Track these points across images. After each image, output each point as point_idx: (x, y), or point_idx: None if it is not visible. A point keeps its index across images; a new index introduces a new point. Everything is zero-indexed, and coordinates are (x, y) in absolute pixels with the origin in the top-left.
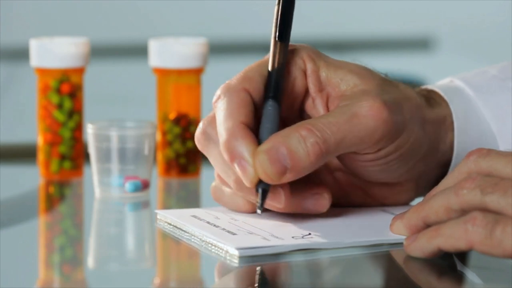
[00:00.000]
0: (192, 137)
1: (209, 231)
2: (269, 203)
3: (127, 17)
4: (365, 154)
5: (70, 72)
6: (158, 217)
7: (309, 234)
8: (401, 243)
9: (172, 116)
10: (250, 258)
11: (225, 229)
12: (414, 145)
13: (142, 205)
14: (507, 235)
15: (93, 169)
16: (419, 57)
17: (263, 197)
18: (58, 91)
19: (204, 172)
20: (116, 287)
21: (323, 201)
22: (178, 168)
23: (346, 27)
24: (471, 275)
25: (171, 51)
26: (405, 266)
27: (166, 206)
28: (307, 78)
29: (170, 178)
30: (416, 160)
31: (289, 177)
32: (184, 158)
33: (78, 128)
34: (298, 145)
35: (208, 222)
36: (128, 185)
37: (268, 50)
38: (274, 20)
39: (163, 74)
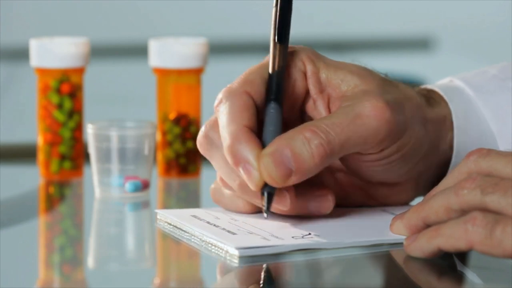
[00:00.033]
0: (192, 137)
1: (209, 231)
2: (275, 206)
3: (127, 17)
4: (368, 154)
5: (70, 72)
6: (158, 217)
7: (309, 234)
8: (401, 243)
9: (172, 116)
10: (250, 258)
11: (225, 229)
12: (415, 144)
13: (142, 205)
14: (507, 235)
15: (93, 169)
16: (419, 57)
17: (269, 201)
18: (58, 91)
19: (204, 172)
20: (116, 287)
21: (327, 203)
22: (178, 168)
23: (346, 27)
24: (471, 275)
25: (171, 51)
26: (405, 266)
27: (166, 206)
28: (307, 79)
29: (170, 178)
30: (417, 160)
31: (294, 180)
32: (184, 158)
33: (78, 128)
34: (303, 147)
35: (208, 222)
36: (128, 185)
37: (267, 50)
38: (273, 22)
39: (163, 74)
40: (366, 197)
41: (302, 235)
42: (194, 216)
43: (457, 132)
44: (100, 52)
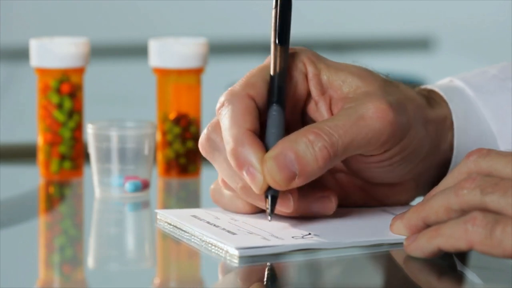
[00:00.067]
0: (192, 137)
1: (209, 231)
2: (278, 209)
3: (127, 17)
4: (370, 156)
5: (70, 72)
6: (158, 217)
7: (309, 234)
8: (401, 243)
9: (172, 116)
10: (250, 258)
11: (225, 229)
12: (417, 145)
13: (142, 205)
14: (507, 235)
15: (93, 169)
16: (419, 57)
17: (273, 204)
18: (58, 91)
19: (204, 172)
20: (116, 287)
21: (330, 204)
22: (178, 168)
23: (346, 27)
24: (471, 275)
25: (171, 51)
26: (405, 266)
27: (166, 206)
28: (308, 81)
29: (170, 178)
30: (418, 160)
31: (297, 183)
32: (184, 158)
33: (78, 128)
34: (306, 150)
35: (208, 222)
36: (128, 185)
37: (267, 50)
38: (273, 24)
39: (163, 74)
40: (367, 197)
41: (302, 235)
42: (194, 216)
43: (457, 132)
44: (100, 52)
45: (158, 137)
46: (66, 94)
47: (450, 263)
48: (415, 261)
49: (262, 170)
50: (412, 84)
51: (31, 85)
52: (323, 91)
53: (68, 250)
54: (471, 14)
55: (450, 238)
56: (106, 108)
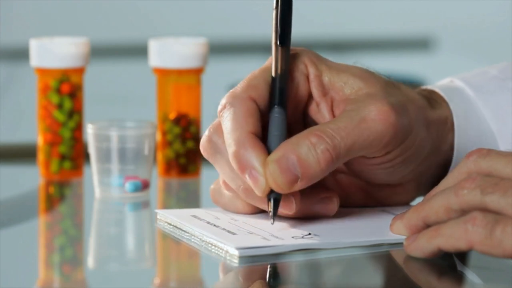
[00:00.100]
0: (192, 137)
1: (209, 231)
2: (280, 211)
3: (127, 17)
4: (372, 158)
5: (70, 72)
6: (158, 217)
7: (309, 234)
8: (401, 243)
9: (172, 116)
10: (250, 258)
11: (225, 229)
12: (418, 147)
13: (142, 205)
14: (507, 235)
15: (93, 169)
16: (419, 57)
17: (275, 206)
18: (58, 91)
19: (204, 172)
20: (116, 287)
21: (332, 205)
22: (178, 168)
23: (346, 27)
24: (471, 275)
25: (171, 51)
26: (405, 266)
27: (166, 206)
28: (310, 82)
29: (170, 178)
30: (419, 161)
31: (300, 186)
32: (184, 158)
33: (78, 128)
34: (308, 153)
35: (208, 222)
36: (128, 185)
37: (268, 50)
38: (274, 25)
39: (163, 74)
40: (367, 197)
41: (302, 235)
42: (194, 216)
43: (458, 132)
44: (100, 52)
45: (158, 137)
46: (66, 94)
47: (450, 263)
48: (415, 261)
49: (265, 173)
50: (412, 84)
51: (31, 85)
52: (324, 92)
53: (68, 250)
54: (471, 14)
55: (450, 238)
56: (106, 108)
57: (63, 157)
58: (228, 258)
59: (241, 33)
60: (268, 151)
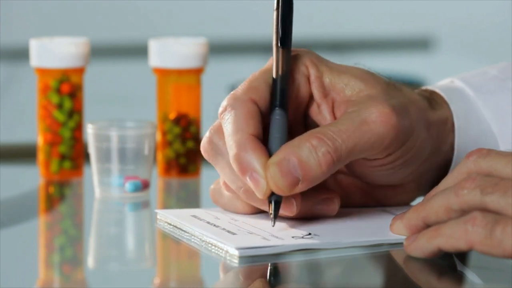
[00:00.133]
0: (192, 137)
1: (209, 231)
2: (281, 213)
3: (127, 17)
4: (373, 159)
5: (70, 72)
6: (158, 217)
7: (309, 234)
8: (401, 243)
9: (172, 116)
10: (250, 258)
11: (225, 229)
12: (419, 148)
13: (142, 205)
14: (507, 235)
15: (93, 169)
16: (419, 57)
17: (276, 209)
18: (58, 91)
19: (204, 172)
20: (116, 287)
21: (333, 206)
22: (178, 168)
23: (346, 27)
24: (471, 275)
25: (171, 51)
26: (405, 266)
27: (166, 206)
28: (310, 84)
29: (170, 178)
30: (420, 162)
31: (301, 188)
32: (184, 158)
33: (78, 128)
34: (310, 155)
35: (208, 222)
36: (128, 185)
37: (268, 50)
38: (274, 26)
39: (163, 74)
40: (367, 198)
41: (302, 235)
42: (194, 216)
43: (458, 133)
44: (100, 52)
45: (158, 137)
46: (66, 94)
47: (450, 263)
48: (415, 261)
49: (265, 175)
50: (412, 84)
51: (31, 85)
52: (325, 93)
53: (68, 250)
54: (471, 14)
55: (450, 238)
56: (106, 108)
57: (63, 157)
58: (228, 258)
59: (241, 33)
60: (269, 153)
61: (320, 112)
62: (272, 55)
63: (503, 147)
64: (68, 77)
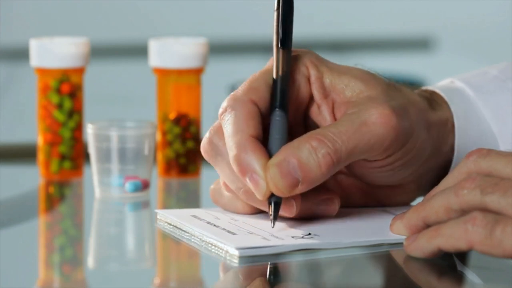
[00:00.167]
0: (192, 137)
1: (209, 231)
2: (281, 214)
3: (127, 17)
4: (373, 160)
5: (70, 72)
6: (158, 217)
7: (309, 234)
8: (401, 243)
9: (172, 116)
10: (250, 258)
11: (225, 229)
12: (419, 149)
13: (142, 205)
14: (507, 235)
15: (93, 169)
16: (419, 57)
17: (276, 210)
18: (58, 91)
19: (204, 172)
20: (116, 287)
21: (333, 206)
22: (178, 168)
23: (346, 27)
24: (471, 275)
25: (171, 51)
26: (405, 266)
27: (166, 206)
28: (311, 84)
29: (170, 178)
30: (420, 163)
31: (300, 189)
32: (184, 158)
33: (78, 128)
34: (309, 157)
35: (208, 222)
36: (128, 185)
37: (268, 50)
38: (275, 27)
39: (163, 74)
40: (367, 198)
41: (302, 235)
42: (194, 216)
43: (458, 133)
44: (100, 52)
45: (158, 137)
46: (66, 94)
47: (450, 263)
48: (415, 261)
49: (265, 177)
50: (413, 84)
51: (31, 85)
52: (325, 94)
53: (68, 250)
54: (471, 14)
55: (450, 238)
56: (106, 108)
57: (63, 157)
58: (228, 258)
59: (241, 33)
60: (269, 155)
61: (320, 113)
62: (272, 55)
63: (503, 147)
64: (68, 77)
